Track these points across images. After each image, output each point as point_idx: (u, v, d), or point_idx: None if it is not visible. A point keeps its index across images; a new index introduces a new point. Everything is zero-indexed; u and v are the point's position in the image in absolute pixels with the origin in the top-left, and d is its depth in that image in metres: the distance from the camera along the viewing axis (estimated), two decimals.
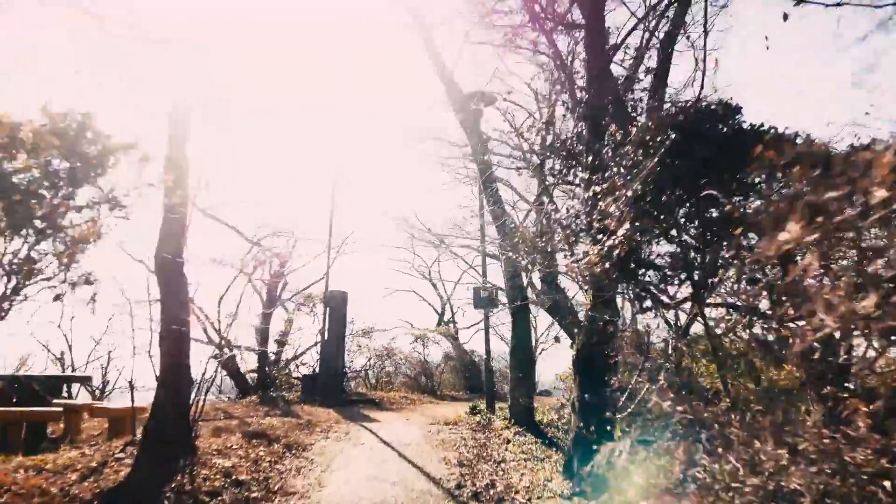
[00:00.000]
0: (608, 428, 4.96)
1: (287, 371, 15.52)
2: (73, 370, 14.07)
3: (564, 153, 5.23)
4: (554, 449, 6.92)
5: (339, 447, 6.99)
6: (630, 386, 5.30)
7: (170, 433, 5.39)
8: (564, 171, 4.96)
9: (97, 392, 14.32)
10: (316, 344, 14.85)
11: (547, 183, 5.57)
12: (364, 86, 30.45)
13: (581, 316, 12.56)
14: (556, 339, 4.80)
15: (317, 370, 13.58)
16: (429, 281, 23.46)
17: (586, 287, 3.39)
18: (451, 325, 22.33)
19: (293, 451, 6.53)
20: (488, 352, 11.11)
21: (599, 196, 3.27)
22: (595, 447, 4.81)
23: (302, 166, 24.61)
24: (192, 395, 5.78)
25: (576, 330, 11.89)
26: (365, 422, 9.34)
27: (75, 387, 12.82)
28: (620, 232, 2.42)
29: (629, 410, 5.23)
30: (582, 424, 4.88)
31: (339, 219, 24.93)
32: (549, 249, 3.46)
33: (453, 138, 13.95)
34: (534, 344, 18.48)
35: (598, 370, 4.86)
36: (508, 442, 7.22)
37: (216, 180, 22.10)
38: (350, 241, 16.38)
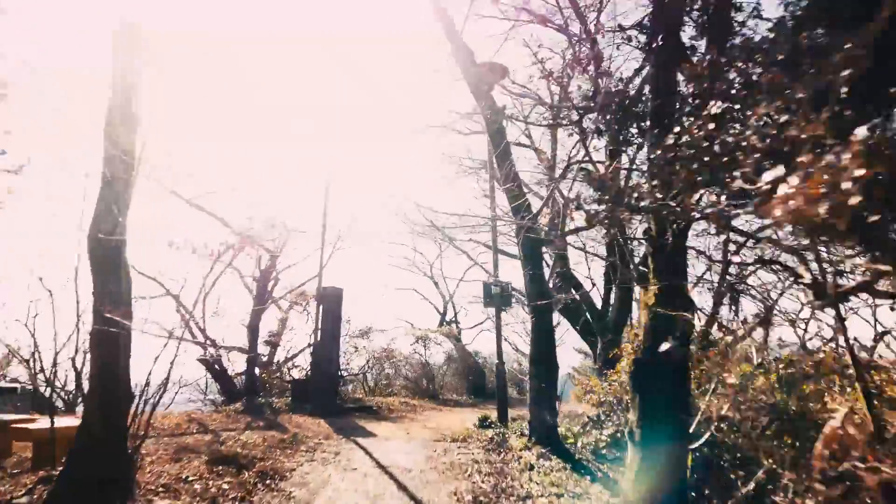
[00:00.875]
0: (682, 466, 3.69)
1: (278, 375, 14.30)
2: (45, 371, 12.80)
3: (618, 98, 3.96)
4: (588, 478, 5.63)
5: (326, 474, 5.71)
6: (705, 408, 4.02)
7: (98, 465, 4.11)
8: (623, 117, 3.68)
9: (70, 397, 13.08)
10: (309, 345, 13.61)
11: (588, 138, 4.31)
12: (364, 77, 29.22)
13: (604, 314, 11.27)
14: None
15: (310, 373, 12.36)
16: (430, 279, 22.22)
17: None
18: (454, 326, 21.09)
19: (267, 482, 5.25)
20: (500, 355, 9.82)
21: (727, 116, 1.99)
22: (666, 494, 3.53)
23: (297, 160, 23.43)
24: (132, 412, 4.49)
25: (607, 335, 10.61)
26: (360, 436, 8.07)
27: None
28: (859, 134, 1.14)
29: (704, 440, 3.95)
30: (645, 461, 3.60)
31: (335, 213, 23.73)
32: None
33: (460, 126, 12.81)
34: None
35: (671, 386, 3.58)
36: (531, 468, 5.92)
37: (204, 170, 20.88)
38: (347, 236, 15.16)
